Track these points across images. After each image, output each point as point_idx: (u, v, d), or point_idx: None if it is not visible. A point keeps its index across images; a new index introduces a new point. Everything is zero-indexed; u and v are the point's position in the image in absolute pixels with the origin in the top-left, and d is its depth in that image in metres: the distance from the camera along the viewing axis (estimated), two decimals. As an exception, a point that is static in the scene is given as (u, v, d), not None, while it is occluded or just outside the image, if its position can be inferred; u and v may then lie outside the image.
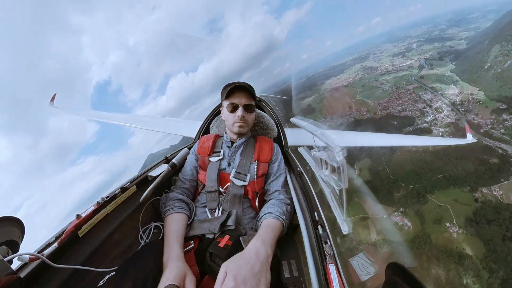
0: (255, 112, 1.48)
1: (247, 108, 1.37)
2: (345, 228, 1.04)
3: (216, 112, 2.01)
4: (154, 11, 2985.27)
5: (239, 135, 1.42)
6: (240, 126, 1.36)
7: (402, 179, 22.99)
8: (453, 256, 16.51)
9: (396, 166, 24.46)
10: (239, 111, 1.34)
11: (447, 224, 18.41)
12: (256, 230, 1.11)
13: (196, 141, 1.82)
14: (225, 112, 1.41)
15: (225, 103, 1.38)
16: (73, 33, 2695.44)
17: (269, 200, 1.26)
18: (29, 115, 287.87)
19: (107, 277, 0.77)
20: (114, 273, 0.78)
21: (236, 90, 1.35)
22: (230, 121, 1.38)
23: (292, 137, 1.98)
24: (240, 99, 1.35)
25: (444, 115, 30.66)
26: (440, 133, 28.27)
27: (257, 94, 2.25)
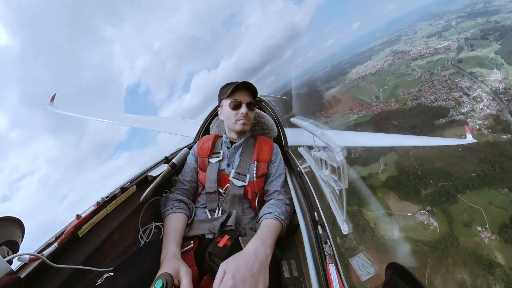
0: (255, 111, 1.49)
1: (249, 106, 1.37)
2: (345, 228, 1.04)
3: (216, 112, 2.02)
4: (174, 14, 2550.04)
5: (241, 133, 1.42)
6: (243, 124, 1.36)
7: (431, 175, 21.43)
8: (482, 263, 15.36)
9: (425, 162, 22.74)
10: (243, 108, 1.34)
11: (479, 228, 16.94)
12: (255, 231, 1.11)
13: (196, 142, 1.82)
14: (226, 111, 1.40)
15: (227, 102, 1.38)
16: (106, 44, 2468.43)
17: (268, 200, 1.26)
18: (72, 117, 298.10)
19: (104, 276, 0.77)
20: (112, 273, 0.78)
21: (239, 88, 1.36)
22: (233, 119, 1.37)
23: (292, 137, 1.98)
24: (243, 97, 1.36)
25: (483, 105, 26.57)
26: (477, 126, 24.82)
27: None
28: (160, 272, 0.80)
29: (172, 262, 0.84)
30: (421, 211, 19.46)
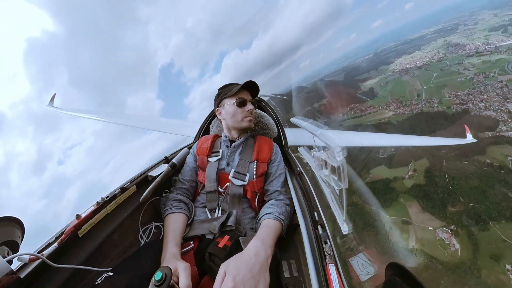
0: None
1: (253, 104, 1.43)
2: (345, 228, 1.04)
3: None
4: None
5: (245, 131, 1.45)
6: (250, 120, 1.40)
7: (462, 192, 19.03)
8: (503, 303, 13.47)
9: (459, 176, 20.40)
10: (250, 105, 1.38)
11: (508, 267, 14.71)
12: (256, 231, 1.11)
13: (195, 142, 1.82)
14: (231, 109, 1.39)
15: (231, 100, 1.39)
16: (141, 24, 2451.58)
17: (268, 200, 1.26)
18: (113, 95, 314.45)
19: (104, 275, 0.77)
20: (112, 272, 0.79)
21: (245, 86, 1.40)
22: (239, 116, 1.38)
23: (292, 137, 1.98)
24: (247, 96, 1.41)
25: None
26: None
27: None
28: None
29: (171, 262, 0.84)
30: (444, 228, 17.68)
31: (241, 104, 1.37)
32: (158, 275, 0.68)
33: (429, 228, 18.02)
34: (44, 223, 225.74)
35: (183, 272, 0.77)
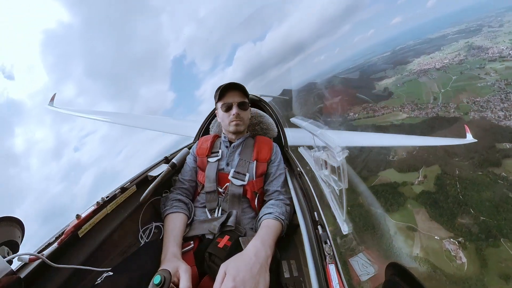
0: (250, 110, 1.48)
1: (241, 106, 1.38)
2: (345, 228, 1.04)
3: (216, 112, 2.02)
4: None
5: (237, 134, 1.42)
6: (236, 124, 1.37)
7: (474, 204, 17.90)
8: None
9: (471, 186, 19.26)
10: (234, 109, 1.35)
11: None
12: (255, 231, 1.11)
13: (195, 142, 1.82)
14: (220, 113, 1.43)
15: (219, 105, 1.40)
16: (153, 15, 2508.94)
17: (268, 200, 1.26)
18: (126, 86, 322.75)
19: (104, 275, 0.77)
20: (112, 272, 0.79)
21: (228, 90, 1.37)
22: (226, 120, 1.39)
23: (292, 137, 1.98)
24: (234, 98, 1.36)
25: None
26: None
27: (257, 94, 2.25)
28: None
29: (172, 261, 0.84)
30: (451, 240, 16.75)
31: (226, 109, 1.37)
32: (157, 279, 0.68)
33: (436, 237, 17.22)
34: (62, 205, 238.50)
35: (184, 274, 0.78)
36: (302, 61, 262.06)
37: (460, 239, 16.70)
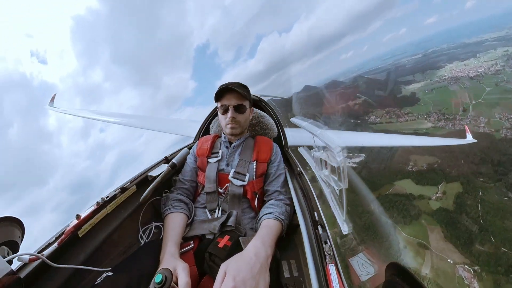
0: (249, 112, 1.46)
1: (238, 109, 1.35)
2: (345, 228, 1.04)
3: (216, 112, 2.02)
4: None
5: (233, 136, 1.43)
6: (232, 128, 1.36)
7: (495, 232, 16.33)
8: None
9: (495, 212, 17.44)
10: (230, 113, 1.34)
11: None
12: (256, 231, 1.11)
13: (195, 142, 1.82)
14: (219, 114, 1.43)
15: (218, 106, 1.40)
16: (179, 0, 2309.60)
17: (268, 200, 1.26)
18: (150, 73, 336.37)
19: (104, 275, 0.77)
20: (112, 272, 0.79)
21: (225, 92, 1.34)
22: (223, 122, 1.40)
23: (292, 137, 1.98)
24: (230, 101, 1.34)
25: None
26: None
27: (257, 94, 2.25)
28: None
29: (170, 261, 0.84)
30: (466, 267, 15.20)
31: (223, 111, 1.37)
32: (158, 278, 0.67)
33: (449, 260, 15.77)
34: (88, 180, 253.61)
35: (182, 271, 0.77)
36: (327, 57, 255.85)
37: (476, 268, 15.15)
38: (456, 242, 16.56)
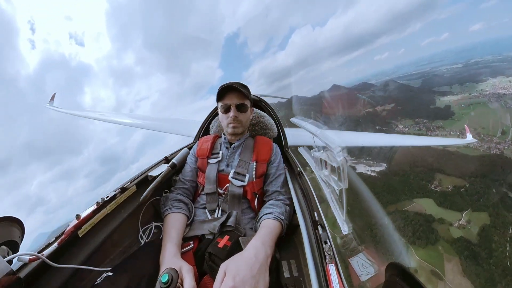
0: (250, 111, 1.46)
1: (240, 108, 1.36)
2: (345, 228, 1.04)
3: (216, 112, 2.02)
4: None
5: (234, 135, 1.42)
6: (234, 127, 1.36)
7: None
8: None
9: None
10: (232, 112, 1.34)
11: None
12: (255, 231, 1.11)
13: (195, 142, 1.82)
14: (220, 114, 1.43)
15: (219, 105, 1.40)
16: None
17: (268, 200, 1.26)
18: (179, 60, 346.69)
19: (104, 275, 0.77)
20: (112, 272, 0.79)
21: (227, 91, 1.35)
22: (225, 122, 1.39)
23: (292, 137, 1.98)
24: (232, 100, 1.35)
25: None
26: None
27: (257, 94, 2.25)
28: (163, 269, 0.80)
29: (173, 262, 0.84)
30: None
31: (224, 110, 1.37)
32: (164, 277, 0.67)
33: None
34: (116, 155, 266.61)
35: (187, 274, 0.78)
36: (360, 56, 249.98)
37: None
38: (475, 280, 14.75)
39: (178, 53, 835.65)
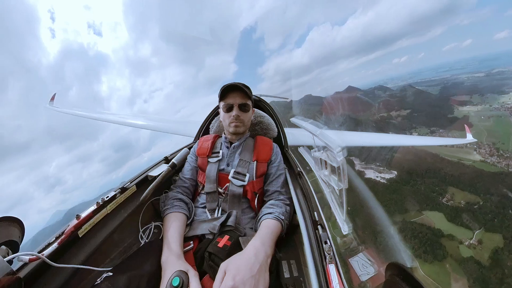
0: (251, 111, 1.47)
1: (242, 108, 1.37)
2: (345, 228, 1.04)
3: (216, 112, 2.02)
4: None
5: (236, 135, 1.42)
6: (236, 126, 1.37)
7: None
8: None
9: None
10: (234, 111, 1.35)
11: None
12: (255, 231, 1.11)
13: (195, 142, 1.82)
14: (221, 113, 1.43)
15: (221, 104, 1.40)
16: None
17: (268, 200, 1.26)
18: (194, 52, 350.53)
19: (104, 275, 0.77)
20: (112, 272, 0.79)
21: (230, 90, 1.36)
22: (227, 121, 1.39)
23: (292, 137, 1.98)
24: (235, 99, 1.36)
25: None
26: None
27: (257, 93, 2.25)
28: (165, 275, 0.80)
29: (180, 264, 0.84)
30: None
31: (227, 109, 1.37)
32: (175, 281, 0.67)
33: None
34: (129, 143, 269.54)
35: (193, 278, 0.79)
36: (378, 58, 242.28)
37: None
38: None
39: (193, 46, 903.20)
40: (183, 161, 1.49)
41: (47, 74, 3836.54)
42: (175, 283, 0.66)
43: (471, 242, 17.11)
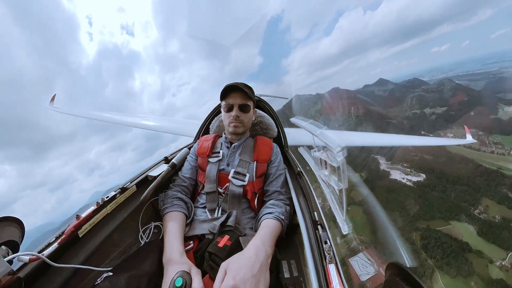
0: (252, 112, 1.47)
1: (242, 108, 1.37)
2: (345, 228, 1.04)
3: (217, 111, 2.02)
4: None
5: (236, 135, 1.43)
6: (235, 126, 1.37)
7: None
8: None
9: None
10: (234, 111, 1.35)
11: None
12: (255, 231, 1.11)
13: (196, 141, 1.82)
14: (222, 113, 1.44)
15: (222, 104, 1.40)
16: None
17: (268, 200, 1.26)
18: (221, 46, 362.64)
19: (104, 275, 0.77)
20: (112, 272, 0.79)
21: (231, 90, 1.36)
22: (227, 121, 1.40)
23: (292, 137, 1.98)
24: (235, 99, 1.35)
25: None
26: None
27: (257, 94, 2.25)
28: (168, 274, 0.81)
29: (183, 262, 0.85)
30: None
31: (227, 109, 1.38)
32: (178, 281, 0.67)
33: None
34: (159, 133, 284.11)
35: (196, 276, 0.79)
36: (415, 47, 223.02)
37: None
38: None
39: (220, 40, 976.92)
40: (183, 161, 1.49)
41: (86, 73, 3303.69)
42: (178, 284, 0.66)
43: (503, 263, 15.47)
